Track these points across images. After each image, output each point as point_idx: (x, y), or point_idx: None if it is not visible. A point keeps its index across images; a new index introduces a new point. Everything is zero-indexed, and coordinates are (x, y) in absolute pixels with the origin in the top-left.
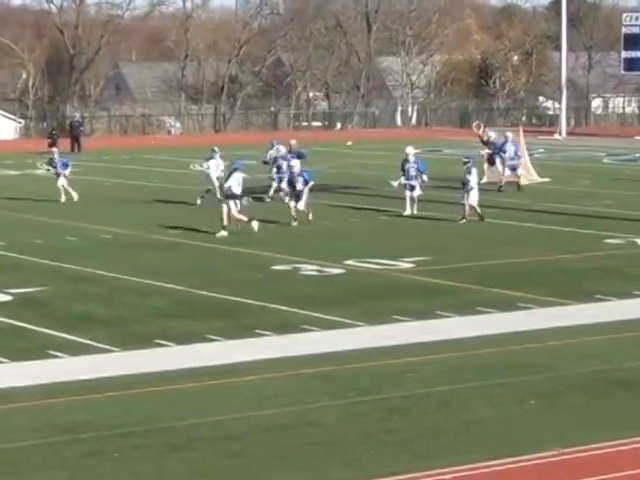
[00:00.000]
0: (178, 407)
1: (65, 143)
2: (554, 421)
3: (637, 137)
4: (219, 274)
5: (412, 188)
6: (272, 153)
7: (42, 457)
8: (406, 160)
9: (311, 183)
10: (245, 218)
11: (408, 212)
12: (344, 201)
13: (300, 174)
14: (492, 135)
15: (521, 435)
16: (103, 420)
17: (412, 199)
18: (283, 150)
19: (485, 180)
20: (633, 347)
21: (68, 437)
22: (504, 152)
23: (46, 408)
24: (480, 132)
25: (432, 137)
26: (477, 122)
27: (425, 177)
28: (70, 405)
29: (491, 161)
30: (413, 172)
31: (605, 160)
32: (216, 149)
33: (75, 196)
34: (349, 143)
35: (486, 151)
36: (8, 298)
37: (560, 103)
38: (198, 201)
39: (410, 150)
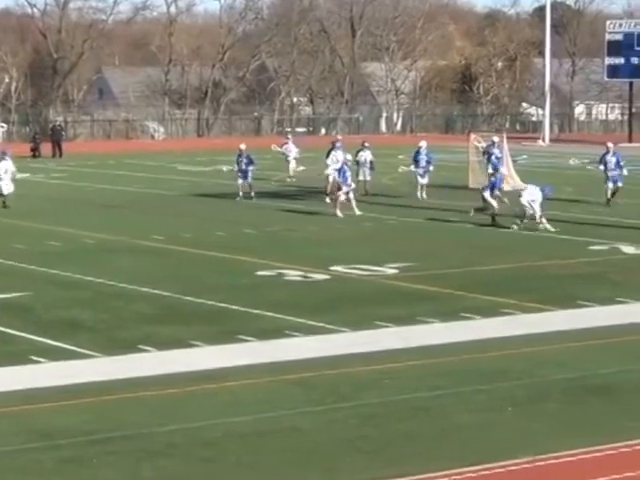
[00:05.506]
0: (156, 413)
1: (47, 148)
2: (530, 428)
3: (620, 144)
4: (204, 280)
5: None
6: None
7: (20, 463)
8: (418, 152)
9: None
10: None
11: (418, 197)
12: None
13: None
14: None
15: (497, 442)
16: (81, 426)
17: (422, 186)
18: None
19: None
20: (611, 353)
21: (46, 443)
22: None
23: (25, 414)
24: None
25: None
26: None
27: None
28: (49, 411)
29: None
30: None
31: (589, 167)
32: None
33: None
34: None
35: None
36: None
37: (544, 109)
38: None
39: (423, 143)
